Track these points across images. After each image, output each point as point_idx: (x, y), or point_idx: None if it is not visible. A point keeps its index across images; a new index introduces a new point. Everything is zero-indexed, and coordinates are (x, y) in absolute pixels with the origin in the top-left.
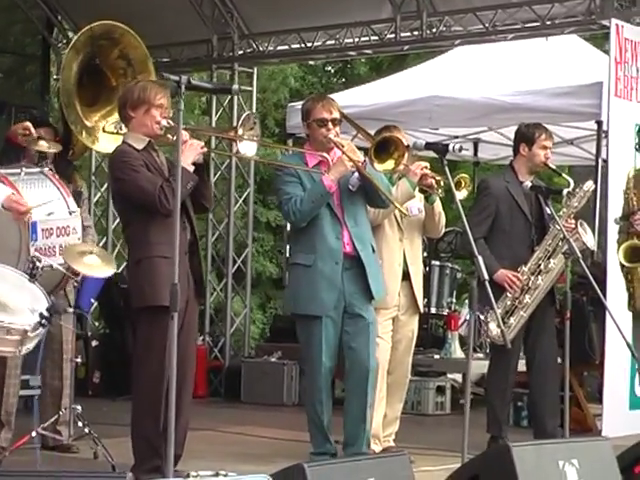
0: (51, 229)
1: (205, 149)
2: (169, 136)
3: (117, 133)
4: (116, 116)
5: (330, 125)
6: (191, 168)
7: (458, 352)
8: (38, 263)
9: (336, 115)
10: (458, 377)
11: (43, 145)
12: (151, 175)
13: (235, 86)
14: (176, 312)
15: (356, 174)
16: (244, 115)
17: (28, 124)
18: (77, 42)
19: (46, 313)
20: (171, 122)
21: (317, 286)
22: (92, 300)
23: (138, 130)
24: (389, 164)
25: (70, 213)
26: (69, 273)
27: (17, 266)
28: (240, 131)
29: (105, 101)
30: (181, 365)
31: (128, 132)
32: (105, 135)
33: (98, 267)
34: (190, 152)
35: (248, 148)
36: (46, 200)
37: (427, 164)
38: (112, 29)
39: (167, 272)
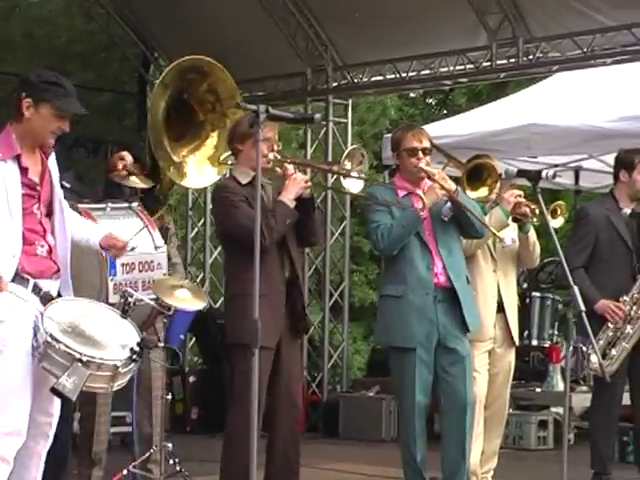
0: (132, 264)
1: (310, 184)
2: (278, 169)
3: (230, 164)
4: (204, 150)
5: (420, 154)
6: (292, 204)
7: (560, 385)
8: (130, 298)
9: (426, 144)
10: (561, 411)
11: (134, 181)
12: (250, 210)
13: (317, 115)
14: (257, 348)
15: (448, 204)
16: (349, 149)
17: (124, 152)
18: (165, 77)
19: (137, 348)
20: (278, 155)
21: (408, 317)
22: (181, 337)
23: (246, 164)
24: (482, 191)
25: (156, 248)
26: (161, 308)
27: (99, 302)
28: (348, 166)
29: (193, 136)
30: (285, 404)
31: (236, 165)
32: (194, 170)
33: (190, 300)
34: (293, 187)
35: (353, 184)
36: (137, 230)
37: (521, 192)
38: (200, 63)
39: (259, 310)
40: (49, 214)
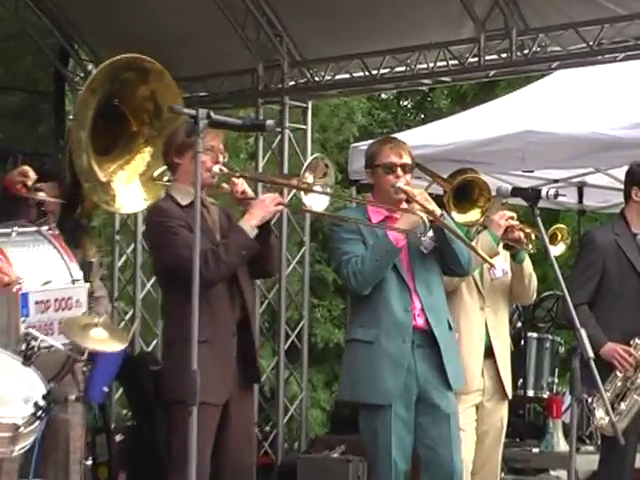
0: (48, 301)
1: (282, 206)
2: (225, 185)
3: (166, 182)
4: (134, 166)
5: (399, 171)
6: (253, 232)
7: (562, 444)
8: (33, 342)
9: (407, 160)
10: (563, 475)
11: (41, 195)
12: (192, 238)
13: (270, 121)
14: (194, 406)
15: (430, 233)
16: (310, 159)
17: (26, 168)
18: (93, 81)
19: (42, 402)
20: (224, 169)
21: (380, 368)
22: (105, 389)
23: (185, 180)
24: (473, 214)
25: (73, 282)
26: (74, 353)
27: (7, 348)
28: (310, 179)
29: (122, 150)
30: (233, 470)
31: (174, 182)
32: (124, 191)
33: (106, 341)
34: (260, 210)
35: (316, 201)
36: (47, 274)
37: (513, 214)
38: (139, 61)
39: (204, 360)
40: None
